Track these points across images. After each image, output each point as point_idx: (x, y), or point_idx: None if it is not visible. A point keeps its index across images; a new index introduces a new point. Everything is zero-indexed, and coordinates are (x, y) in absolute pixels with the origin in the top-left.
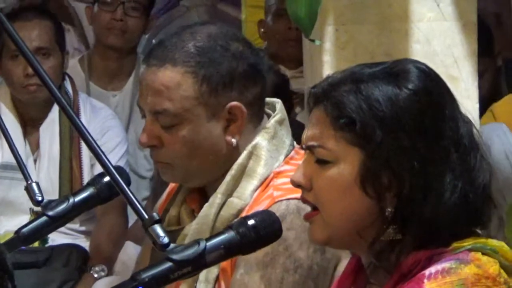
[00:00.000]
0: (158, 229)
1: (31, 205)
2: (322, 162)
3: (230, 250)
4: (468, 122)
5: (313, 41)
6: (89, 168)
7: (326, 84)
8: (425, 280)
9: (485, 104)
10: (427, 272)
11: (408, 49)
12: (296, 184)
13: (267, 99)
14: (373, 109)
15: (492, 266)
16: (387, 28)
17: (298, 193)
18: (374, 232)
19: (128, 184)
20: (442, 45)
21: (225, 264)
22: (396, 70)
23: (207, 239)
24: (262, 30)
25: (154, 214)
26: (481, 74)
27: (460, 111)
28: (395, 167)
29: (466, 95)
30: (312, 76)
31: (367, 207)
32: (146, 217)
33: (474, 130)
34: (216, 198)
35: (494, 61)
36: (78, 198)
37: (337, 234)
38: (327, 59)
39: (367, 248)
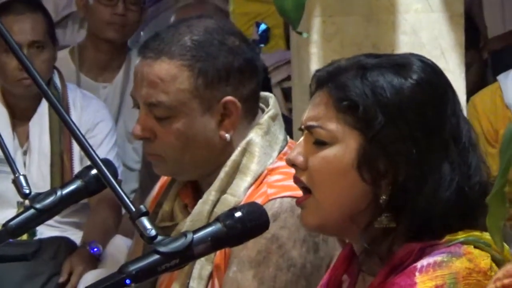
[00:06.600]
0: (145, 221)
1: (18, 198)
2: (320, 143)
3: (218, 242)
4: (468, 124)
5: (300, 33)
6: (80, 162)
7: (331, 68)
8: (417, 273)
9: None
10: (418, 264)
11: (395, 41)
12: (291, 163)
13: (260, 94)
14: (377, 95)
15: (483, 260)
16: (374, 20)
17: (292, 191)
18: (366, 218)
19: (116, 176)
20: (429, 36)
21: (218, 261)
22: (401, 61)
23: (194, 231)
24: None
25: (141, 206)
26: (467, 67)
27: (461, 110)
28: (392, 154)
29: (454, 86)
30: (299, 68)
31: (362, 192)
32: (133, 209)
33: (473, 133)
34: (210, 195)
35: (480, 53)
36: (65, 190)
37: (329, 219)
38: (314, 51)
39: (359, 235)
